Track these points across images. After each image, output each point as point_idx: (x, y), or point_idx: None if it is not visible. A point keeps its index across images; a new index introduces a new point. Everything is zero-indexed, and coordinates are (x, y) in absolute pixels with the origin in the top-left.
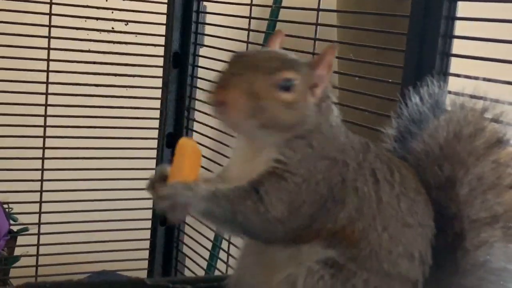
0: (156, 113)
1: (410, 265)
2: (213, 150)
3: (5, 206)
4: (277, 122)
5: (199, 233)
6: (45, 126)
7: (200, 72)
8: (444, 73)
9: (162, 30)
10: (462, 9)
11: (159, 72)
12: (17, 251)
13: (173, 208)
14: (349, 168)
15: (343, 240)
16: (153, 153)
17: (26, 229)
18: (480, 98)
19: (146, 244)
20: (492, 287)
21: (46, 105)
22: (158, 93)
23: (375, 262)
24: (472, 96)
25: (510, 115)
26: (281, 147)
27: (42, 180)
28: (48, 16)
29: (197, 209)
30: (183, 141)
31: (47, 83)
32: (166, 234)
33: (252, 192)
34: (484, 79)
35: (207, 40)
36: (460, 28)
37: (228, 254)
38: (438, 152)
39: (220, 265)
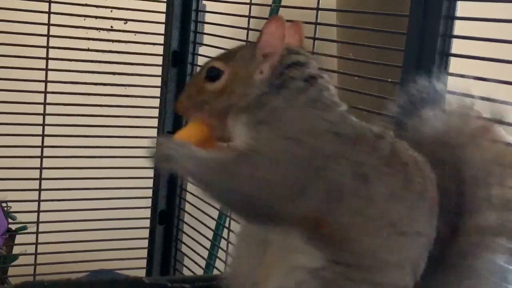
0: (155, 112)
1: (399, 274)
2: None
3: (4, 204)
4: (216, 109)
5: (198, 232)
6: (43, 125)
7: None
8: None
9: (161, 29)
10: (461, 9)
11: (158, 71)
12: (16, 250)
13: (167, 159)
14: (323, 153)
15: (324, 236)
16: None
17: (25, 228)
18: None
19: (145, 243)
20: (488, 265)
21: (44, 103)
22: (157, 92)
23: (356, 266)
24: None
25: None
26: (248, 131)
27: (40, 179)
28: (47, 15)
29: (181, 167)
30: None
31: (45, 81)
32: (164, 233)
33: (224, 164)
34: (483, 79)
35: (206, 39)
36: (460, 28)
37: (227, 254)
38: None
39: (219, 264)
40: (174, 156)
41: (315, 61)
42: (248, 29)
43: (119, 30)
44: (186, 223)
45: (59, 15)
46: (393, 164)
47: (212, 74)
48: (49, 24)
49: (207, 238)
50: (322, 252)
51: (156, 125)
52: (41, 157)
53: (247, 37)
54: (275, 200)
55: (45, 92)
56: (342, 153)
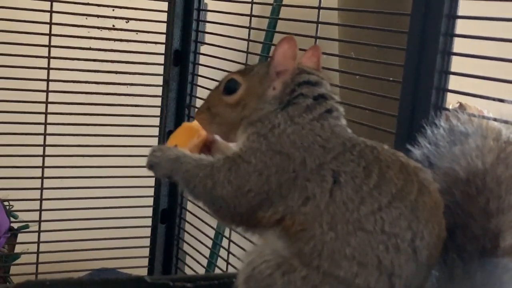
0: (157, 111)
1: (359, 271)
2: None
3: (6, 203)
4: (230, 120)
5: (200, 231)
6: (45, 124)
7: (201, 70)
8: (445, 72)
9: (163, 27)
10: (463, 7)
11: (160, 69)
12: (18, 249)
13: (151, 166)
14: (306, 167)
15: (286, 230)
16: None
17: (27, 227)
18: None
19: (147, 241)
20: None
21: (47, 102)
22: (158, 91)
23: (316, 259)
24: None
25: None
26: (246, 141)
27: (42, 178)
28: (49, 14)
29: (164, 169)
30: (185, 123)
31: (47, 80)
32: (166, 232)
33: (207, 167)
34: (485, 78)
35: (208, 38)
36: (462, 26)
37: (229, 252)
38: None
39: (221, 263)
40: (157, 163)
41: (328, 83)
42: (249, 28)
43: (121, 29)
44: (187, 222)
45: (61, 14)
46: (370, 168)
47: (230, 86)
48: (51, 23)
49: (209, 237)
50: (285, 242)
51: (157, 124)
52: (43, 156)
53: (248, 36)
54: (253, 207)
55: (47, 91)
56: (326, 164)
